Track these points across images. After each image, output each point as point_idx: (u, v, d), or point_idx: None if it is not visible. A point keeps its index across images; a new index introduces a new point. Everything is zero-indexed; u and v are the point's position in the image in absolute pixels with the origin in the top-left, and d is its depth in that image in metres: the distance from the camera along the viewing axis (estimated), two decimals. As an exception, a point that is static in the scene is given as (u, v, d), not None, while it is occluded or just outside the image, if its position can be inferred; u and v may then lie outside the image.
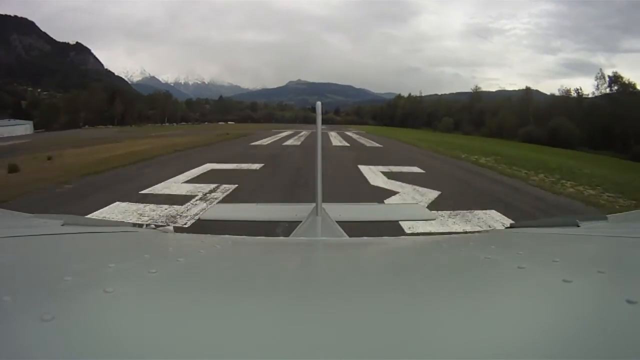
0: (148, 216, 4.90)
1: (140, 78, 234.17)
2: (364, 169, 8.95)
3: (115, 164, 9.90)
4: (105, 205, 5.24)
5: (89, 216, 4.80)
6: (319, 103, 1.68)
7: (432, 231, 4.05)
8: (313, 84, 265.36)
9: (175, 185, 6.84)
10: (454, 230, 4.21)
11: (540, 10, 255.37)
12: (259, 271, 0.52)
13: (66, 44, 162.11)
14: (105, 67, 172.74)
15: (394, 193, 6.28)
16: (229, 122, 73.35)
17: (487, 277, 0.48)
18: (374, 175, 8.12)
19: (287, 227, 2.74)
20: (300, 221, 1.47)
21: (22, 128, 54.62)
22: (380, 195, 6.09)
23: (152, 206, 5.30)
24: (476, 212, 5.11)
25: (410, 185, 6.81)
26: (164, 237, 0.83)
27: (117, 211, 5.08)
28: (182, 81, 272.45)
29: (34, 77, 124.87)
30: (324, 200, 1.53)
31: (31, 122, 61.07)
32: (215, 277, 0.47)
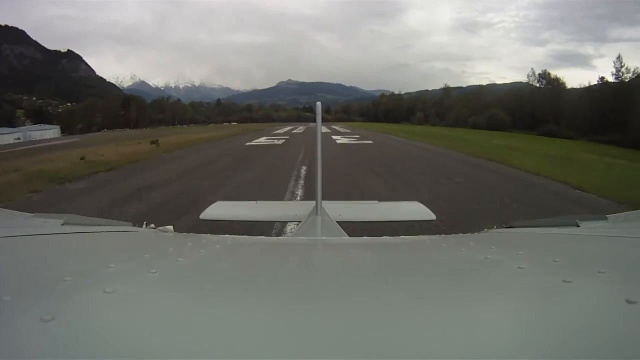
0: (263, 144, 15.86)
1: (130, 83, 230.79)
2: (334, 136, 20.44)
3: (206, 140, 20.34)
4: (247, 142, 16.14)
5: (250, 143, 15.81)
6: (319, 103, 1.71)
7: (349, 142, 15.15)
8: (303, 83, 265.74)
9: (260, 140, 18.20)
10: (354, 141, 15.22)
11: (527, 2, 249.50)
12: (259, 271, 0.53)
13: (57, 52, 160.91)
14: (97, 73, 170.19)
15: (339, 139, 17.85)
16: (232, 123, 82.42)
17: (487, 277, 0.48)
18: (337, 137, 19.57)
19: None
20: (300, 221, 1.51)
21: (51, 132, 62.02)
22: (333, 140, 17.46)
23: (259, 145, 16.27)
24: (363, 140, 16.68)
25: (348, 139, 18.09)
26: (164, 237, 0.84)
27: (250, 144, 16.01)
28: (173, 85, 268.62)
29: (27, 85, 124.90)
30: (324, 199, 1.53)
31: (59, 127, 68.89)
32: (215, 277, 0.48)
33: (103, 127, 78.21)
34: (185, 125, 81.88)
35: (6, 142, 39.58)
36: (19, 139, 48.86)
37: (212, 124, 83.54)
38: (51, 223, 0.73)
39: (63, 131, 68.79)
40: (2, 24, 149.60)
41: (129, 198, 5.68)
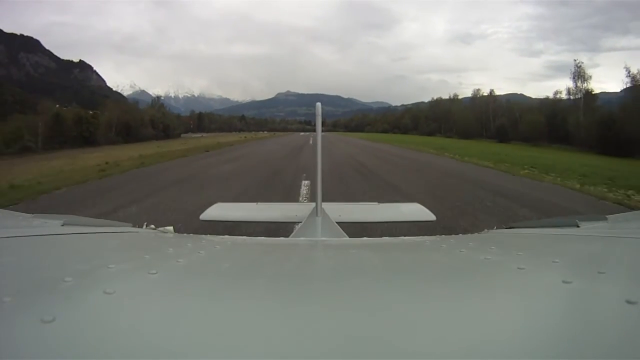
0: (307, 134, 72.00)
1: (130, 92, 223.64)
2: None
3: (283, 136, 75.20)
4: (300, 133, 72.26)
5: (301, 134, 71.79)
6: (318, 104, 1.75)
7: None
8: (302, 95, 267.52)
9: (301, 134, 75.24)
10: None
11: (519, 13, 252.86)
12: (259, 272, 0.53)
13: (70, 62, 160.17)
14: (106, 83, 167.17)
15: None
16: (264, 132, 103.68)
17: (487, 277, 0.48)
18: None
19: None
20: (300, 221, 1.53)
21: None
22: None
23: (306, 134, 72.18)
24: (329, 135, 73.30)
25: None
26: (164, 237, 0.85)
27: (301, 134, 72.07)
28: (172, 94, 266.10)
29: (46, 93, 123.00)
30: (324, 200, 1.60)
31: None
32: (215, 278, 0.48)
33: (188, 131, 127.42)
34: (236, 132, 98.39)
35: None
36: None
37: (254, 132, 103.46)
38: (51, 224, 0.73)
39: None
40: (18, 33, 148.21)
41: (279, 140, 59.66)
